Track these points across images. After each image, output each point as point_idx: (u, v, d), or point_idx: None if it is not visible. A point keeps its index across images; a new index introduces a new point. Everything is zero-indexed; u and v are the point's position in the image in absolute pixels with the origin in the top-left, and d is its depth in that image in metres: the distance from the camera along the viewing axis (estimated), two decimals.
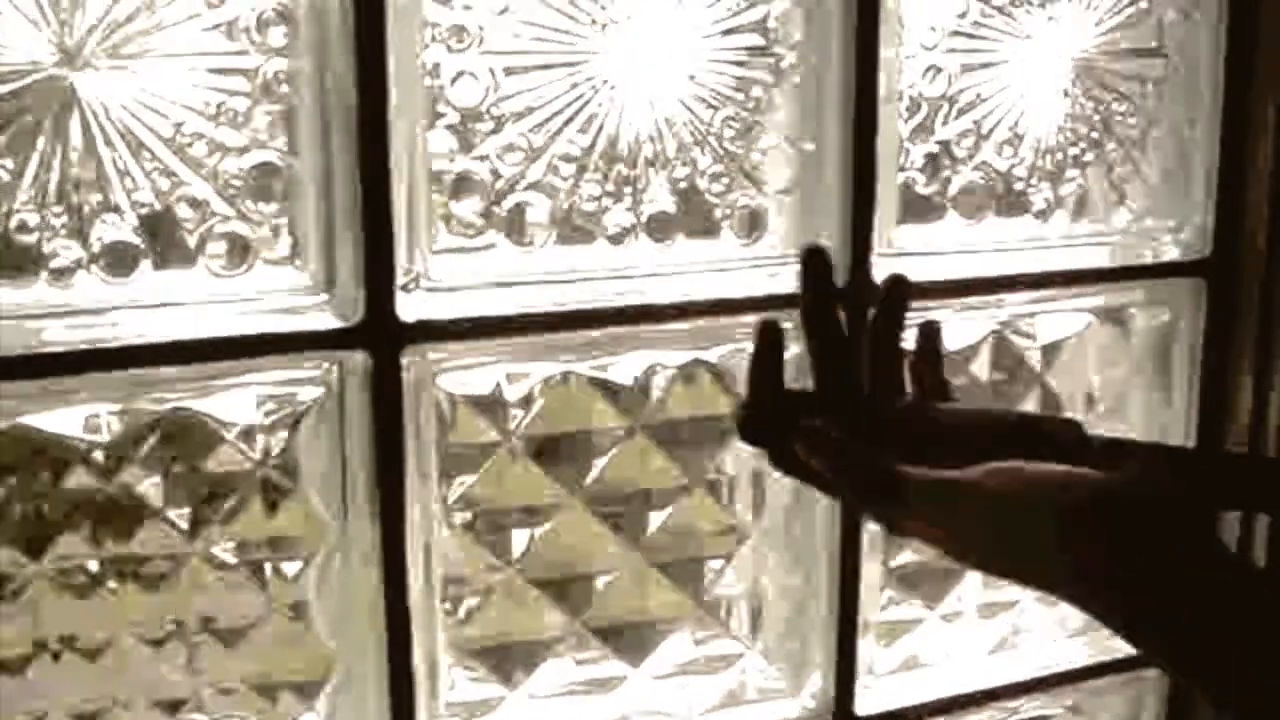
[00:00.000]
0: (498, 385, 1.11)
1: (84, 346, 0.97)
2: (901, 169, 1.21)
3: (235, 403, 1.03)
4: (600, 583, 1.21)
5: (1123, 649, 0.61)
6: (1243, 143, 1.32)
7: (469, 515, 1.13)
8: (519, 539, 1.16)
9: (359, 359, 1.04)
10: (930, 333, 0.74)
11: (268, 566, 1.08)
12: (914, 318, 1.24)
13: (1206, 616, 0.57)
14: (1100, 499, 0.61)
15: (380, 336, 1.03)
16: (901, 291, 0.74)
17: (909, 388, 0.72)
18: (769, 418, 0.69)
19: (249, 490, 1.05)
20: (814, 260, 0.72)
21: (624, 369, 1.14)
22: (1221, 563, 0.59)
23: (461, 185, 1.06)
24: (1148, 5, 1.27)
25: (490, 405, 1.11)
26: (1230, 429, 1.37)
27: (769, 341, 0.72)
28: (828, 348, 0.72)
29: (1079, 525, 0.60)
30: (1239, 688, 0.57)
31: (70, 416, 1.01)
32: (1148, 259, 1.34)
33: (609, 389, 1.15)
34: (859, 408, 0.70)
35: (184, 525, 1.04)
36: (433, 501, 1.09)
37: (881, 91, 1.15)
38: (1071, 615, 1.34)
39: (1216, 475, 0.73)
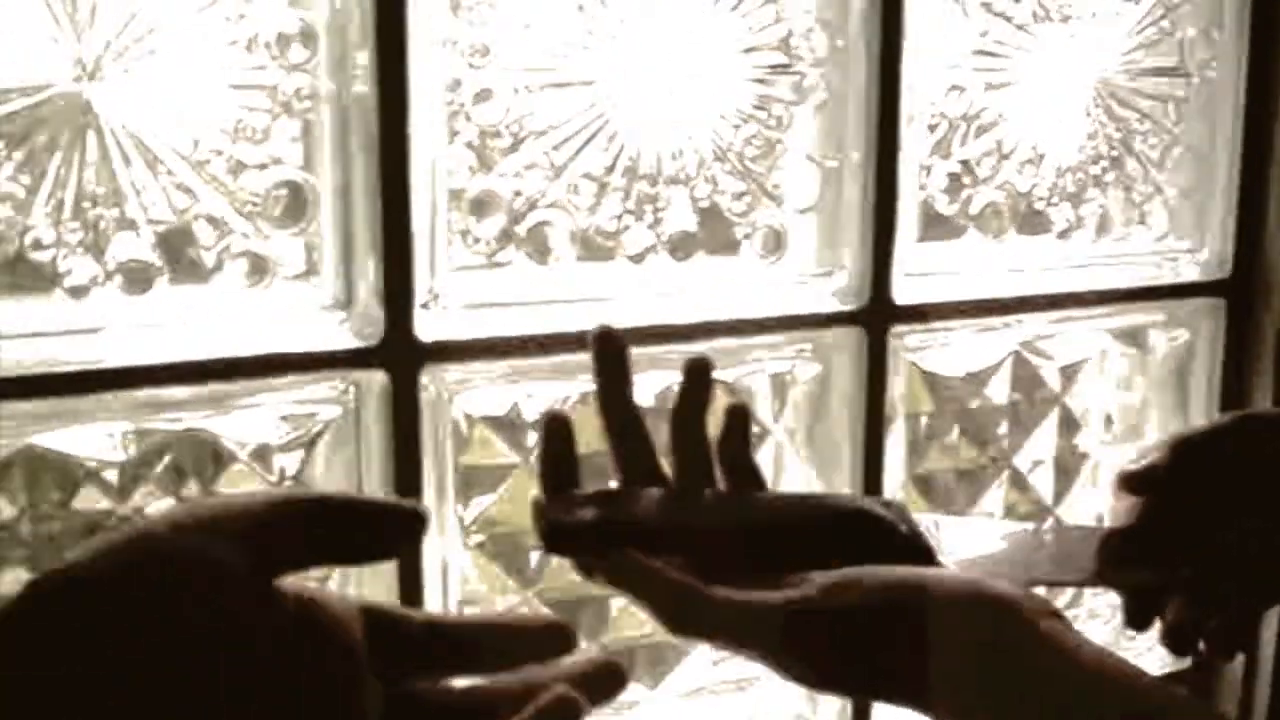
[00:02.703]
0: (516, 405, 1.10)
1: (98, 365, 0.95)
2: (922, 187, 1.20)
3: (251, 423, 1.02)
4: (617, 603, 1.19)
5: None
6: (1263, 163, 1.31)
7: (486, 536, 1.12)
8: (536, 559, 1.14)
9: (377, 378, 1.02)
10: (738, 416, 0.68)
11: None
12: (930, 339, 1.24)
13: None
14: (975, 598, 0.57)
15: (399, 356, 1.02)
16: (704, 374, 0.68)
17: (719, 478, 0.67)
18: (570, 524, 0.63)
19: None
20: (605, 342, 0.66)
21: (644, 389, 1.13)
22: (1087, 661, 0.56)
23: (481, 203, 1.05)
24: (1170, 24, 1.26)
25: (508, 425, 1.10)
26: None
27: (557, 437, 0.65)
28: (627, 438, 0.67)
29: (956, 630, 0.56)
30: None
31: (83, 436, 0.99)
32: (1167, 279, 1.33)
33: None
34: (666, 504, 0.65)
35: None
36: (450, 522, 1.07)
37: (903, 110, 1.14)
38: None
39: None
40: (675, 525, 0.63)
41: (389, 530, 0.47)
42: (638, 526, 0.62)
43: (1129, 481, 0.70)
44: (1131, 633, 0.71)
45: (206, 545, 0.42)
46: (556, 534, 0.63)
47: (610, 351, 0.66)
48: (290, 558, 0.45)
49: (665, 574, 0.59)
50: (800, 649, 0.58)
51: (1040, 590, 0.62)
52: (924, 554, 0.64)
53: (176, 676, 0.40)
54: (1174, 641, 0.68)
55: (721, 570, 0.60)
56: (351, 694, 0.46)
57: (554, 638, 0.52)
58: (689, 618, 0.58)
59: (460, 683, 0.50)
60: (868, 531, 0.64)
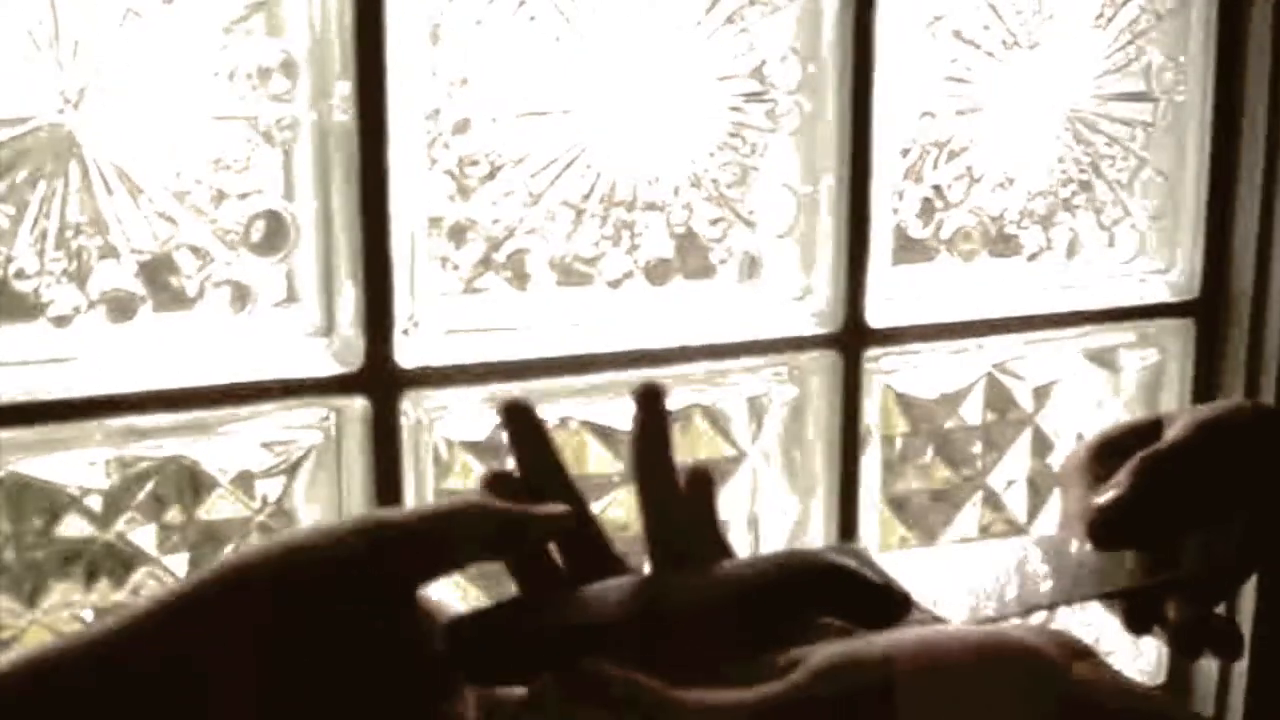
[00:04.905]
0: (495, 430, 1.11)
1: (81, 393, 0.96)
2: (895, 212, 1.21)
3: (233, 449, 1.03)
4: None
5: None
6: (1230, 184, 1.33)
7: None
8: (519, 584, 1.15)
9: (358, 404, 1.03)
10: (701, 480, 0.61)
11: None
12: (904, 361, 1.26)
13: None
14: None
15: (379, 382, 1.03)
16: (660, 404, 0.61)
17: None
18: (493, 643, 0.54)
19: (246, 538, 1.04)
20: (517, 416, 0.60)
21: (622, 414, 1.14)
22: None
23: (460, 230, 1.06)
24: (1136, 50, 1.29)
25: (489, 450, 1.11)
26: None
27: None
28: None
29: (981, 697, 0.50)
30: None
31: (66, 464, 1.00)
32: (1137, 300, 1.34)
33: (607, 434, 1.15)
34: (620, 596, 0.56)
35: (180, 573, 1.03)
36: None
37: (875, 136, 1.16)
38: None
39: None
40: (633, 617, 0.55)
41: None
42: (592, 627, 0.54)
43: (1104, 519, 0.67)
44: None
45: (363, 553, 0.50)
46: (473, 654, 0.54)
47: (522, 422, 0.60)
48: (428, 568, 0.52)
49: (655, 688, 0.50)
50: None
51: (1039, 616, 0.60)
52: (900, 602, 0.58)
53: (329, 667, 0.49)
54: (1181, 643, 0.67)
55: (694, 655, 0.54)
56: (453, 691, 0.53)
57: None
58: None
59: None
60: (838, 588, 0.58)
